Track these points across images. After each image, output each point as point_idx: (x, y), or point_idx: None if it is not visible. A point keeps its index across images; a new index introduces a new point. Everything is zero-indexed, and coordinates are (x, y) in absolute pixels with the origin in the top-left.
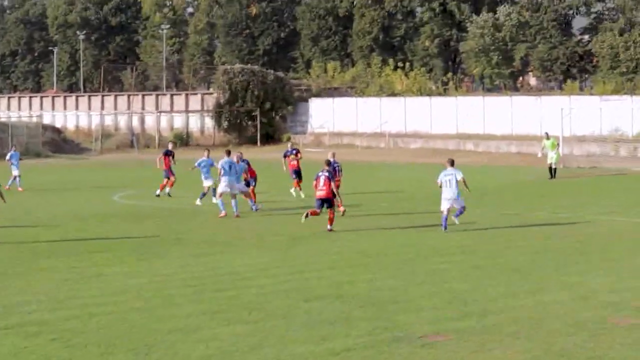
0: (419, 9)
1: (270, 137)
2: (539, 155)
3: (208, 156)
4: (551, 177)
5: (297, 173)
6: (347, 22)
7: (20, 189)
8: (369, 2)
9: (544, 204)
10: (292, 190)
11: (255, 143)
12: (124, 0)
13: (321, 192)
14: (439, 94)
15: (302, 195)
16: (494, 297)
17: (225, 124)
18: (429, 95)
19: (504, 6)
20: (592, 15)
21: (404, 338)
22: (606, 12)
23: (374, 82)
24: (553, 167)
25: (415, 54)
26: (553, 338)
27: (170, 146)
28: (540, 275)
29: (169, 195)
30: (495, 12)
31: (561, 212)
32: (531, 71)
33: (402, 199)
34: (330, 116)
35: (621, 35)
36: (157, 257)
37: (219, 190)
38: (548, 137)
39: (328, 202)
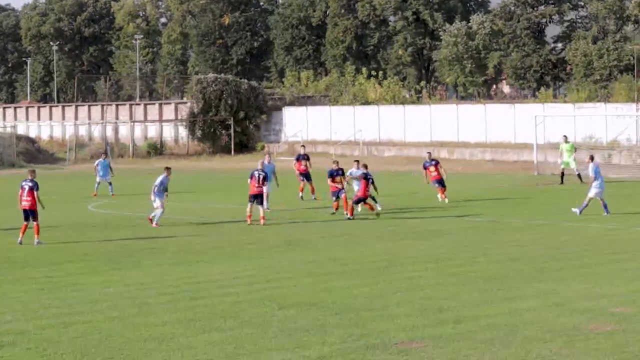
0: (392, 18)
1: (244, 146)
2: (559, 161)
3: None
4: (562, 183)
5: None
6: (320, 31)
7: None
8: (342, 11)
9: (519, 211)
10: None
11: (229, 152)
12: (97, 11)
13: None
14: (413, 102)
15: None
16: (469, 305)
17: (199, 133)
18: (402, 103)
19: (477, 15)
20: (566, 24)
21: (379, 345)
22: (579, 20)
23: (347, 91)
24: (576, 172)
25: (389, 62)
26: (529, 345)
27: (302, 150)
28: (516, 283)
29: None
30: (468, 21)
31: (536, 219)
32: (505, 79)
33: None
34: (304, 125)
35: (594, 43)
36: (132, 266)
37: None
38: (567, 141)
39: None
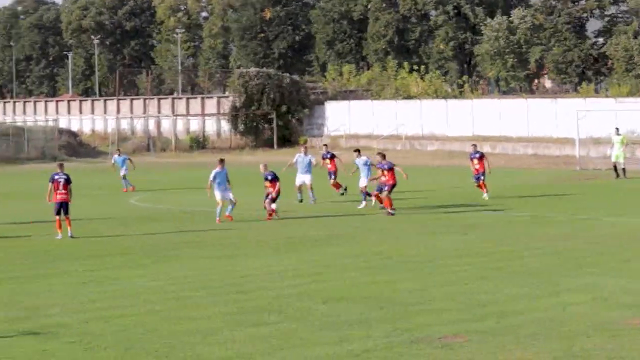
0: (433, 12)
1: (286, 140)
2: (608, 152)
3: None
4: (617, 176)
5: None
6: (362, 26)
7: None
8: (384, 5)
9: (561, 205)
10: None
11: (271, 146)
12: (138, 4)
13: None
14: (455, 97)
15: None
16: (512, 299)
17: (241, 127)
18: (444, 97)
19: (518, 9)
20: (606, 18)
21: (423, 339)
22: (620, 15)
23: (389, 85)
24: (621, 166)
25: (430, 56)
26: (572, 339)
27: (324, 149)
28: (558, 277)
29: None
30: (509, 15)
31: (578, 214)
32: (546, 74)
33: (421, 202)
34: (346, 119)
35: (635, 37)
36: (174, 259)
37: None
38: (618, 133)
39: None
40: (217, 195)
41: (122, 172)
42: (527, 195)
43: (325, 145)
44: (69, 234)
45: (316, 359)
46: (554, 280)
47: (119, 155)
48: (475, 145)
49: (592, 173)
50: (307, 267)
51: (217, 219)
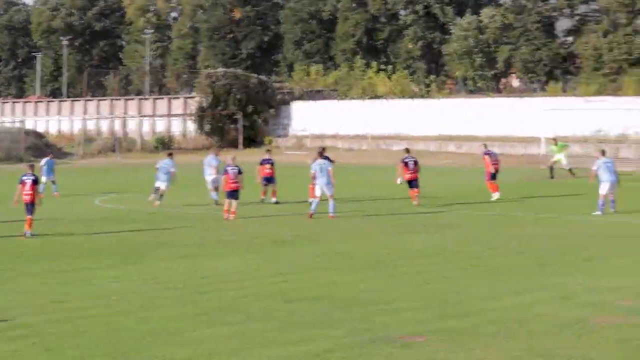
0: (402, 12)
1: (252, 141)
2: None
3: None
4: (552, 177)
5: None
6: (331, 26)
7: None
8: (353, 5)
9: (526, 205)
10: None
11: (237, 146)
12: (108, 5)
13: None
14: (422, 96)
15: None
16: (474, 298)
17: (207, 127)
18: (411, 97)
19: (488, 8)
20: (576, 17)
21: (383, 339)
22: (590, 14)
23: (356, 85)
24: (567, 167)
25: (398, 56)
26: (535, 338)
27: (267, 155)
28: (522, 276)
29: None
30: (478, 15)
31: (543, 213)
32: (514, 73)
33: (385, 201)
34: (312, 119)
35: (605, 36)
36: (139, 260)
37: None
38: (555, 144)
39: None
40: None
41: (51, 177)
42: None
43: (269, 150)
44: (27, 233)
45: (277, 359)
46: (517, 279)
47: (50, 158)
48: (485, 145)
49: (557, 172)
50: (269, 267)
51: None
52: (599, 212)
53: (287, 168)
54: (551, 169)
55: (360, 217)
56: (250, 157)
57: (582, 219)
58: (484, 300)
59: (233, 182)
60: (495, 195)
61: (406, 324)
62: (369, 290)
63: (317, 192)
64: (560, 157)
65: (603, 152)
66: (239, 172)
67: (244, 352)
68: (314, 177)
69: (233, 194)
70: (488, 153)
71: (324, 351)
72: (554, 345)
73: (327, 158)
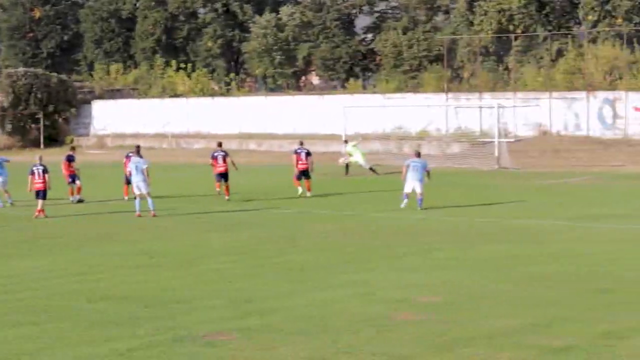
0: (201, 10)
1: (53, 140)
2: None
3: None
4: (347, 174)
5: (304, 173)
6: (130, 24)
7: None
8: (152, 3)
9: (328, 201)
10: (299, 189)
11: (38, 145)
12: None
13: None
14: (222, 95)
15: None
16: (277, 296)
17: (8, 127)
18: (211, 95)
19: (287, 6)
20: (376, 14)
21: (187, 337)
22: (390, 11)
23: (156, 84)
24: (367, 167)
25: (198, 54)
26: (338, 335)
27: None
28: (325, 273)
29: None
30: (278, 13)
31: (345, 210)
32: (314, 70)
33: (186, 200)
34: (113, 118)
35: (405, 33)
36: None
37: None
38: (347, 143)
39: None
40: None
41: None
42: (295, 191)
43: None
44: None
45: (82, 358)
46: (320, 276)
47: None
48: (302, 142)
49: (359, 169)
50: (75, 267)
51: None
52: (404, 204)
53: (90, 167)
54: (347, 166)
55: (164, 216)
56: (52, 156)
57: (385, 216)
58: (287, 297)
59: (39, 182)
60: (300, 191)
61: (210, 322)
62: (173, 289)
63: (136, 191)
64: (357, 159)
65: (418, 154)
66: (45, 172)
67: (49, 351)
68: (129, 175)
69: (40, 193)
70: (297, 152)
71: (128, 350)
72: (357, 341)
73: (140, 155)
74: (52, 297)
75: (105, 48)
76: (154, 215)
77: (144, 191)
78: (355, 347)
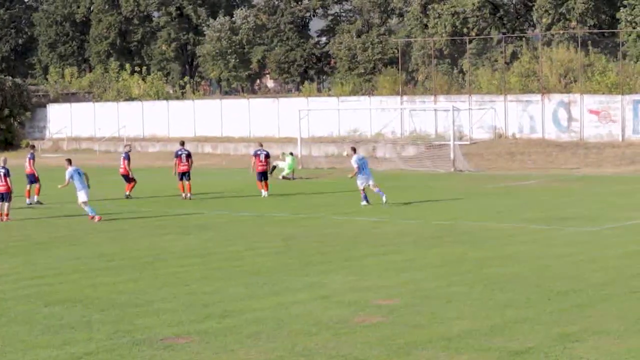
0: (156, 14)
1: (9, 144)
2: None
3: None
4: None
5: (264, 174)
6: (85, 28)
7: None
8: (106, 7)
9: (285, 204)
10: (263, 191)
11: None
12: None
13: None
14: (177, 98)
15: (266, 194)
16: (235, 299)
17: None
18: (166, 99)
19: (241, 9)
20: (330, 17)
21: (145, 341)
22: (344, 14)
23: (111, 87)
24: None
25: (153, 58)
26: (295, 338)
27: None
28: (282, 276)
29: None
30: (232, 16)
31: (302, 213)
32: (268, 73)
33: (143, 202)
34: (68, 121)
35: (359, 36)
36: None
37: None
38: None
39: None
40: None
41: None
42: (250, 194)
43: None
44: None
45: None
46: (277, 279)
47: None
48: (261, 144)
49: (314, 172)
50: (29, 270)
51: None
52: (364, 202)
53: (45, 171)
54: (274, 167)
55: (121, 219)
56: (10, 160)
57: (343, 219)
58: (245, 300)
59: (2, 185)
60: (264, 194)
61: (168, 325)
62: (130, 292)
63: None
64: (284, 166)
65: (354, 149)
66: (7, 174)
67: (5, 356)
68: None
69: (3, 196)
70: (256, 153)
71: (85, 354)
72: (314, 345)
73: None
74: (7, 301)
75: (59, 51)
76: (99, 219)
77: (86, 198)
78: (313, 350)
